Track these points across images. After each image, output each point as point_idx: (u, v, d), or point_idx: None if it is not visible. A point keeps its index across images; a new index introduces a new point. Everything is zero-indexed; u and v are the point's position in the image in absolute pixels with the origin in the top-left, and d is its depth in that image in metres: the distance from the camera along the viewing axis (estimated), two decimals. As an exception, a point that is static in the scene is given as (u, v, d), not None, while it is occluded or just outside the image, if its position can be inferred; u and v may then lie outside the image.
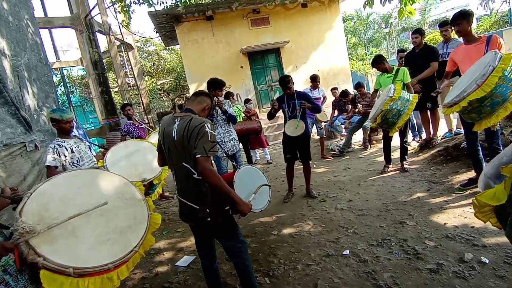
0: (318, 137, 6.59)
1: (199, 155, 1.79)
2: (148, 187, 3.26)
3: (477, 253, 2.35)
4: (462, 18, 3.23)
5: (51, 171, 2.62)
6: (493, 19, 19.27)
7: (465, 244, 2.51)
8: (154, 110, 18.73)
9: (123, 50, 14.03)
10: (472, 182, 3.46)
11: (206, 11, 10.12)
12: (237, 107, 6.16)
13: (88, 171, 1.89)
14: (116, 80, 16.09)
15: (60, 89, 17.43)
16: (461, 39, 4.84)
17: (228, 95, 6.05)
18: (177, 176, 2.02)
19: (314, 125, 6.34)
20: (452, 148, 4.54)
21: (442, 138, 5.35)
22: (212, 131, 1.85)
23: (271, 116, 4.20)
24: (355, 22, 26.28)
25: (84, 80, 18.52)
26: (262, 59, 10.83)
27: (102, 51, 13.45)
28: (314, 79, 6.23)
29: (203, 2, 12.52)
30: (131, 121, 5.02)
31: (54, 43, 15.83)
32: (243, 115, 6.22)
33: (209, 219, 1.94)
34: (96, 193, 1.69)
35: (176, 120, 1.96)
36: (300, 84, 11.00)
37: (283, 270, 2.59)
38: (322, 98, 6.40)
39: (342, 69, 11.46)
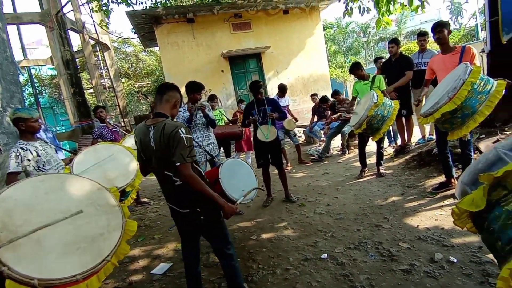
0: (294, 145, 6.63)
1: (178, 163, 1.77)
2: (121, 195, 3.10)
3: (446, 253, 2.45)
4: (443, 26, 3.42)
5: (12, 177, 2.43)
6: (461, 33, 20.34)
7: (436, 245, 2.60)
8: (131, 113, 18.29)
9: (98, 50, 13.61)
10: (442, 186, 3.61)
11: (187, 13, 10.04)
12: (219, 111, 6.14)
13: (56, 175, 1.78)
14: (90, 81, 15.53)
15: (27, 89, 16.61)
16: (435, 50, 5.07)
17: (213, 98, 6.01)
18: (162, 184, 2.02)
19: (287, 135, 6.41)
20: (425, 154, 4.71)
21: (416, 144, 5.55)
22: (187, 135, 1.82)
23: (244, 125, 4.31)
24: (335, 30, 26.96)
25: (54, 80, 17.74)
26: (243, 63, 10.85)
27: (75, 50, 13.00)
28: (283, 89, 6.39)
29: (183, 4, 12.44)
30: (104, 124, 4.79)
31: (21, 40, 15.10)
32: (225, 119, 6.18)
33: (202, 217, 1.95)
34: (65, 199, 1.59)
35: (150, 128, 1.91)
36: (280, 89, 11.12)
37: (262, 275, 2.57)
38: (287, 106, 6.54)
39: (322, 75, 11.67)
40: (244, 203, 2.37)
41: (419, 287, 2.13)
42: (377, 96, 3.93)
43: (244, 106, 6.90)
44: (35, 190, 1.52)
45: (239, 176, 2.46)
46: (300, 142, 7.09)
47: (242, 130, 5.49)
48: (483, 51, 4.70)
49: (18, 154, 2.52)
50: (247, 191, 2.29)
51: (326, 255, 2.72)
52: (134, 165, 3.15)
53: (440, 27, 3.42)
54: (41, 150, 2.68)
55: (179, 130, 1.80)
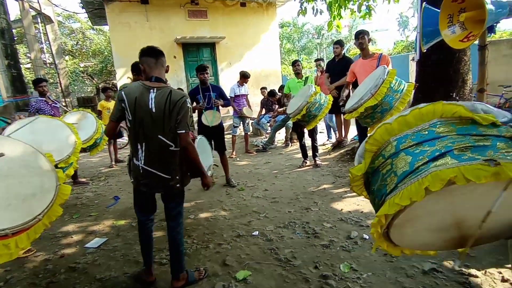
0: (244, 133, 6.84)
1: (183, 131, 1.88)
2: None
3: (361, 231, 2.83)
4: (364, 34, 3.88)
5: None
6: (404, 44, 22.32)
7: (354, 225, 2.98)
8: (74, 93, 17.06)
9: (39, 22, 12.46)
10: None
11: (141, -7, 9.66)
12: None
13: None
14: (28, 55, 14.14)
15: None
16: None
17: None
18: (148, 148, 1.98)
19: (241, 122, 6.59)
20: (357, 148, 5.21)
21: (351, 140, 6.10)
22: (191, 106, 1.95)
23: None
24: (291, 29, 27.70)
25: (-14, 51, 15.89)
26: (196, 51, 10.74)
27: (12, 19, 11.75)
28: (245, 76, 6.48)
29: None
30: (43, 98, 4.50)
31: None
32: None
33: (178, 185, 2.08)
34: None
35: (152, 91, 1.92)
36: (233, 81, 11.18)
37: (196, 249, 2.73)
38: (246, 95, 6.72)
39: (274, 71, 12.01)
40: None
41: (334, 258, 2.46)
42: (314, 87, 4.29)
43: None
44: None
45: (205, 153, 2.61)
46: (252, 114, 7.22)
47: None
48: (413, 59, 5.31)
49: None
50: (210, 165, 2.47)
51: (257, 232, 2.97)
52: (72, 141, 3.07)
53: (362, 34, 3.91)
54: None
55: (187, 100, 1.91)
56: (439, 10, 2.93)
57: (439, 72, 4.49)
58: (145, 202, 2.21)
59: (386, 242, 1.43)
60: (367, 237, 2.72)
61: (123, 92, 1.94)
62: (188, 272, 2.25)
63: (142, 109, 1.91)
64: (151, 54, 2.00)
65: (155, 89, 1.93)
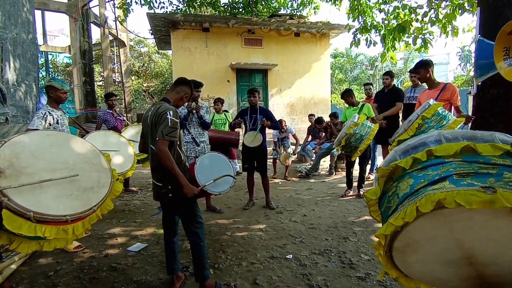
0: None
1: (158, 138, 2.04)
2: None
3: (402, 269, 2.63)
4: (420, 67, 3.71)
5: None
6: (465, 78, 21.07)
7: (395, 262, 2.79)
8: (135, 110, 18.65)
9: (114, 46, 14.11)
10: None
11: (204, 22, 10.52)
12: (225, 115, 6.23)
13: (62, 133, 2.09)
14: (101, 73, 15.99)
15: (41, 73, 17.11)
16: (426, 86, 5.41)
17: (218, 101, 6.17)
18: (150, 157, 2.27)
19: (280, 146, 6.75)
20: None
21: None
22: (173, 118, 2.07)
23: (231, 127, 4.70)
24: (344, 59, 27.71)
25: (68, 68, 18.28)
26: (249, 77, 11.24)
27: (93, 42, 13.47)
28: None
29: (201, 13, 13.00)
30: (111, 111, 5.11)
31: (44, 26, 15.69)
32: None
33: (170, 194, 2.17)
34: (65, 153, 1.85)
35: (153, 107, 2.22)
36: (281, 107, 11.47)
37: (228, 265, 2.76)
38: (289, 136, 6.87)
39: (323, 100, 12.03)
40: (215, 195, 2.61)
41: (370, 293, 2.33)
42: (358, 117, 4.22)
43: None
44: (41, 141, 1.79)
45: (217, 168, 2.65)
46: (293, 158, 7.24)
47: (238, 139, 5.33)
48: (470, 93, 5.01)
49: (44, 115, 2.89)
50: (217, 178, 2.47)
51: (291, 256, 2.91)
52: (131, 159, 3.65)
53: (418, 69, 3.76)
54: (61, 120, 3.06)
55: (168, 112, 2.07)
56: (493, 43, 2.80)
57: (498, 107, 4.17)
58: (164, 212, 2.43)
59: (394, 270, 1.38)
60: (409, 276, 2.53)
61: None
62: (217, 284, 2.28)
63: (145, 123, 2.24)
64: (175, 82, 2.39)
65: (154, 106, 2.21)
